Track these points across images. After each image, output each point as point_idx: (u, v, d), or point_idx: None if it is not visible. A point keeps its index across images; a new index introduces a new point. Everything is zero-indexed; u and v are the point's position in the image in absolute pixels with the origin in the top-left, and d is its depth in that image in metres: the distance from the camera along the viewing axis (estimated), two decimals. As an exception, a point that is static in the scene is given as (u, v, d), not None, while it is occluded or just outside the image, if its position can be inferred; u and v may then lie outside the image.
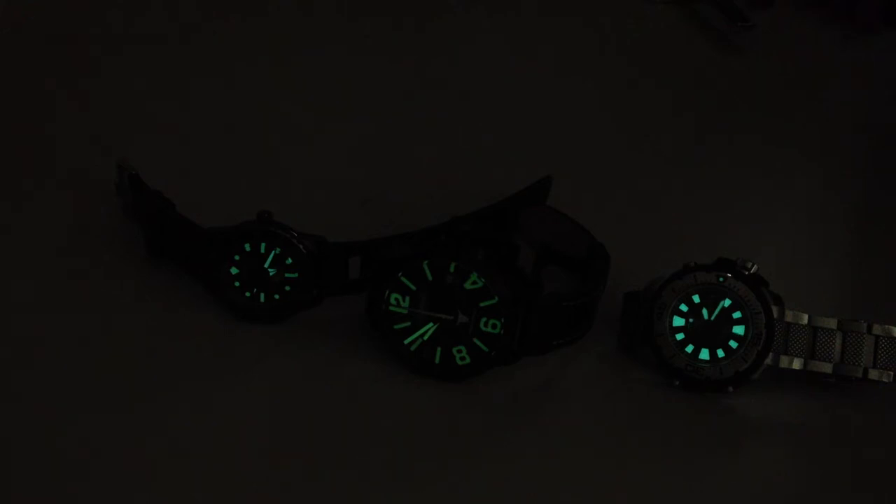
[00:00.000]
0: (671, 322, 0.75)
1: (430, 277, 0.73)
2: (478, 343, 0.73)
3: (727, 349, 0.74)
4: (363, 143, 0.92)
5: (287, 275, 0.75)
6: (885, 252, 0.87)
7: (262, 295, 0.76)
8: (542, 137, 0.94)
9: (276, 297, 0.76)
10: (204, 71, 0.98)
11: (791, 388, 0.75)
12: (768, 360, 0.73)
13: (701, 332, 0.74)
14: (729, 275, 0.74)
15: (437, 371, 0.74)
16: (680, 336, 0.74)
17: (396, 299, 0.73)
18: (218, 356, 0.75)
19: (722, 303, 0.74)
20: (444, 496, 0.69)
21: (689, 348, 0.74)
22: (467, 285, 0.72)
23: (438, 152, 0.92)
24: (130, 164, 0.80)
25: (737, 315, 0.74)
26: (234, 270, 0.75)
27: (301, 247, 0.75)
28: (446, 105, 0.97)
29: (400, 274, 0.73)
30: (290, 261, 0.75)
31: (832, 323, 0.74)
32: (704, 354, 0.74)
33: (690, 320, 0.74)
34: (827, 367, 0.74)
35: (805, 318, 0.74)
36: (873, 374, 0.74)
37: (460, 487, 0.69)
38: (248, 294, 0.76)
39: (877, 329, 0.74)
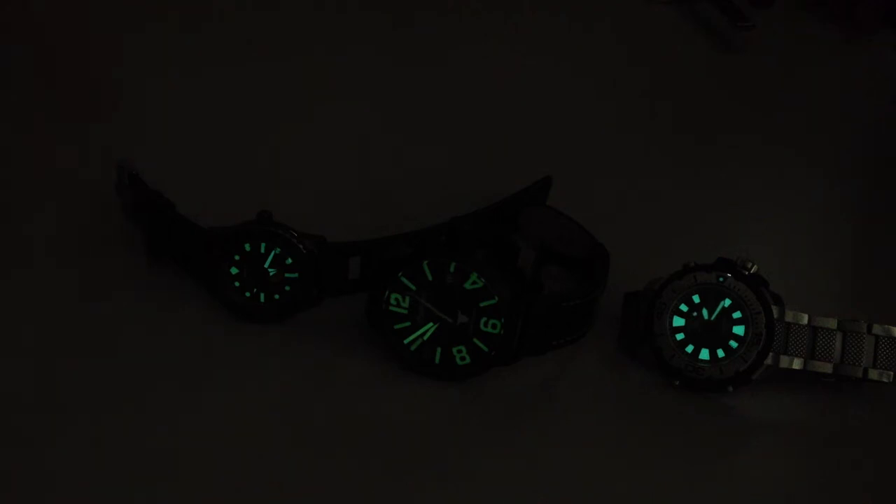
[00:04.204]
0: (671, 322, 0.75)
1: (430, 277, 0.73)
2: (478, 343, 0.73)
3: (727, 349, 0.74)
4: (363, 143, 0.92)
5: (287, 275, 0.75)
6: (885, 252, 0.87)
7: (262, 295, 0.76)
8: (542, 137, 0.94)
9: (276, 297, 0.76)
10: (204, 71, 0.98)
11: (791, 388, 0.75)
12: (768, 360, 0.73)
13: (701, 332, 0.74)
14: (729, 275, 0.74)
15: (437, 371, 0.74)
16: (680, 336, 0.74)
17: (396, 299, 0.73)
18: (218, 356, 0.75)
19: (722, 303, 0.74)
20: (444, 496, 0.69)
21: (689, 348, 0.74)
22: (467, 285, 0.72)
23: (438, 152, 0.92)
24: (131, 164, 0.80)
25: (737, 315, 0.74)
26: (234, 270, 0.75)
27: (301, 247, 0.75)
28: (446, 105, 0.97)
29: (400, 274, 0.73)
30: (290, 261, 0.75)
31: (832, 323, 0.74)
32: (704, 354, 0.74)
33: (693, 314, 0.74)
34: (827, 367, 0.74)
35: (805, 318, 0.74)
36: (873, 374, 0.74)
37: (460, 487, 0.69)
38: (248, 294, 0.76)
39: (877, 329, 0.74)
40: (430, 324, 0.73)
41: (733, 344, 0.74)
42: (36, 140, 0.89)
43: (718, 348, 0.74)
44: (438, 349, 0.73)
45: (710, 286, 0.74)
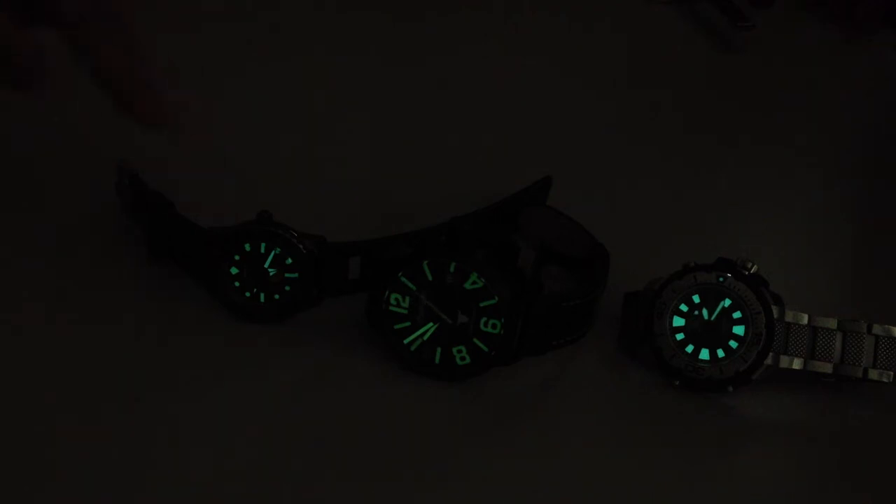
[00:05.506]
0: (671, 322, 0.75)
1: (430, 277, 0.73)
2: (478, 343, 0.73)
3: (727, 349, 0.74)
4: (363, 143, 0.92)
5: (287, 275, 0.75)
6: (885, 252, 0.87)
7: (262, 295, 0.76)
8: (542, 137, 0.94)
9: (276, 297, 0.76)
10: (204, 70, 0.98)
11: (791, 388, 0.75)
12: (768, 360, 0.73)
13: (701, 332, 0.74)
14: (729, 275, 0.74)
15: (437, 371, 0.74)
16: (680, 336, 0.74)
17: (396, 299, 0.73)
18: (218, 356, 0.75)
19: (722, 303, 0.74)
20: (444, 496, 0.69)
21: (689, 348, 0.74)
22: (467, 285, 0.72)
23: (438, 152, 0.92)
24: (131, 164, 0.80)
25: (737, 315, 0.74)
26: (234, 270, 0.75)
27: (301, 247, 0.75)
28: (446, 105, 0.97)
29: (400, 274, 0.73)
30: (290, 261, 0.75)
31: (832, 323, 0.74)
32: (704, 354, 0.74)
33: (693, 314, 0.74)
34: (827, 367, 0.74)
35: (805, 318, 0.74)
36: (873, 374, 0.74)
37: (460, 487, 0.69)
38: (248, 294, 0.76)
39: (877, 329, 0.74)
40: (430, 324, 0.73)
41: (733, 344, 0.74)
42: (36, 140, 0.89)
43: (718, 348, 0.74)
44: (438, 349, 0.73)
45: (710, 286, 0.74)
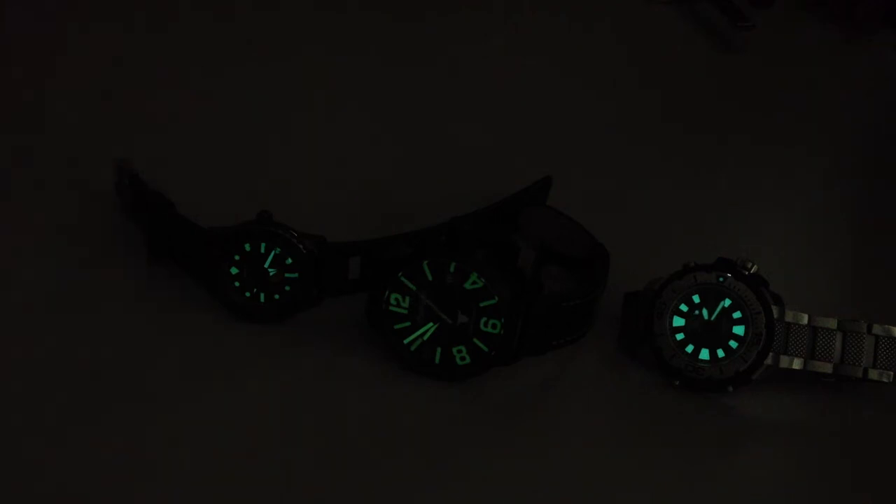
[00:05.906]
0: (671, 322, 0.75)
1: (430, 277, 0.73)
2: (478, 343, 0.73)
3: (727, 349, 0.74)
4: (363, 143, 0.92)
5: (287, 275, 0.75)
6: (885, 252, 0.87)
7: (262, 295, 0.76)
8: (542, 137, 0.94)
9: (276, 297, 0.76)
10: (204, 70, 0.98)
11: (791, 388, 0.75)
12: (768, 360, 0.73)
13: (701, 332, 0.74)
14: (729, 275, 0.74)
15: (437, 371, 0.74)
16: (680, 336, 0.74)
17: (396, 299, 0.73)
18: (218, 356, 0.75)
19: (722, 303, 0.74)
20: (444, 496, 0.69)
21: (689, 348, 0.74)
22: (467, 285, 0.72)
23: (438, 152, 0.92)
24: (131, 164, 0.80)
25: (737, 315, 0.74)
26: (234, 270, 0.75)
27: (301, 247, 0.75)
28: (446, 105, 0.97)
29: (400, 274, 0.73)
30: (290, 261, 0.75)
31: (832, 323, 0.74)
32: (704, 354, 0.74)
33: (694, 314, 0.74)
34: (827, 367, 0.74)
35: (805, 318, 0.74)
36: (873, 374, 0.74)
37: (460, 487, 0.69)
38: (248, 294, 0.76)
39: (877, 329, 0.74)
40: (430, 324, 0.73)
41: (733, 344, 0.74)
42: (36, 139, 0.89)
43: (718, 348, 0.74)
44: (438, 349, 0.73)
45: (710, 286, 0.74)
